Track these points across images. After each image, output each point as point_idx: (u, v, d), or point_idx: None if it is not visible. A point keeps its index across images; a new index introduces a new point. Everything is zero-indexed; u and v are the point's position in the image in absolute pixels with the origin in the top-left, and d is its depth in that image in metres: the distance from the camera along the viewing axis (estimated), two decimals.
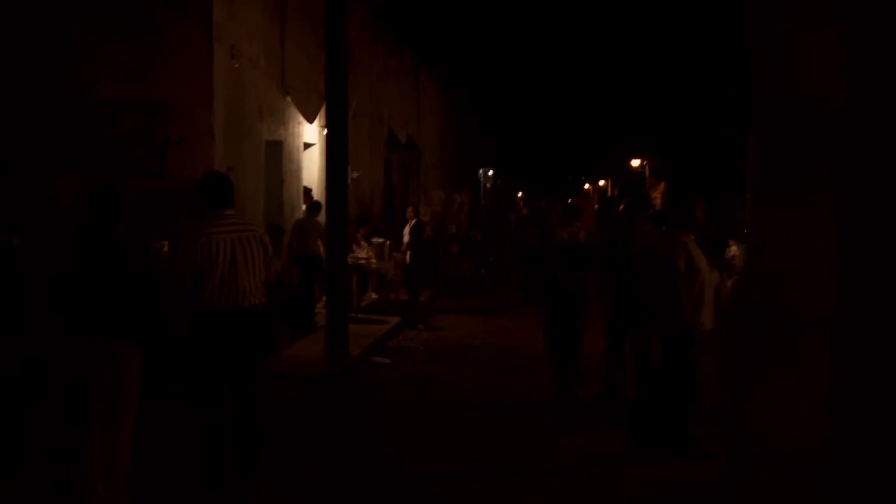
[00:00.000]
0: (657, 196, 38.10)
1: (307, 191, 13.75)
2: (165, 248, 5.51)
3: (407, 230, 15.35)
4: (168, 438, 5.77)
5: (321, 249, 11.24)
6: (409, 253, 15.13)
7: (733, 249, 9.22)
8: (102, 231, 4.62)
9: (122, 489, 4.61)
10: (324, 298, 10.98)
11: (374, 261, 14.17)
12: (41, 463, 5.11)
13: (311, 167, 14.24)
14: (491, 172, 35.05)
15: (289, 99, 12.65)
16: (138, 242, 4.83)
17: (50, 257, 4.86)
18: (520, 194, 41.84)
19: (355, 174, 15.05)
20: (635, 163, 40.34)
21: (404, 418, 7.92)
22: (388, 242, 15.15)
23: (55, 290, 4.56)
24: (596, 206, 32.91)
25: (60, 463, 4.60)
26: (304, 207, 13.09)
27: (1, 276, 5.95)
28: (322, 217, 11.67)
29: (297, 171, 13.51)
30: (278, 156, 12.52)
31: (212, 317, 5.35)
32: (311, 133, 13.90)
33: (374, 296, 14.58)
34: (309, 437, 7.18)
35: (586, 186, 56.80)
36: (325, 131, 11.32)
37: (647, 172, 39.62)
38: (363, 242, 14.13)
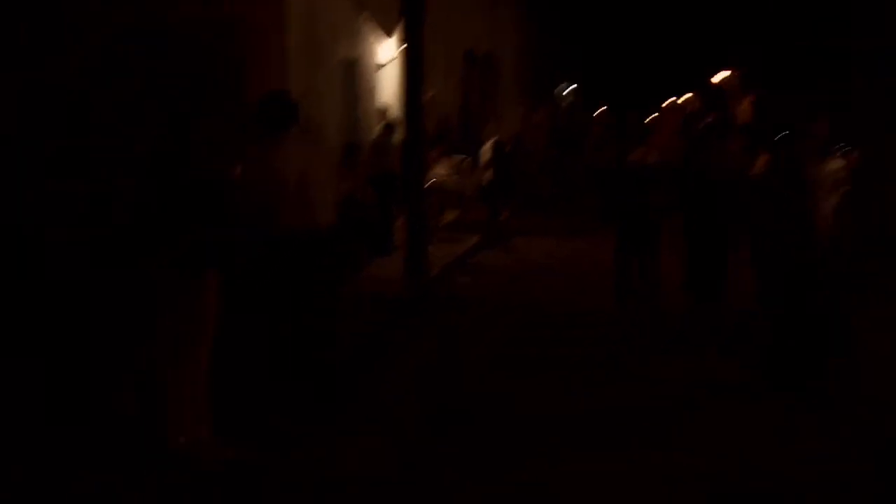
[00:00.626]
0: (746, 110, 36.79)
1: (385, 110, 13.58)
2: (238, 173, 5.45)
3: (487, 147, 15.09)
4: (244, 360, 5.78)
5: (397, 169, 11.12)
6: (488, 171, 14.89)
7: (834, 164, 8.66)
8: (180, 158, 4.56)
9: (204, 412, 4.63)
10: (401, 218, 10.91)
11: (454, 177, 13.97)
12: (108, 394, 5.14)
13: (388, 85, 14.04)
14: (572, 87, 34.26)
15: (364, 16, 12.42)
16: (216, 169, 4.77)
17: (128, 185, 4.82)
18: (603, 108, 40.91)
19: (432, 92, 14.80)
20: (721, 75, 38.97)
21: (486, 340, 7.85)
22: (467, 159, 14.93)
23: (133, 219, 4.54)
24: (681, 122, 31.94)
25: (132, 395, 4.62)
26: (379, 126, 12.95)
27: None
28: (398, 136, 11.53)
29: (372, 90, 13.36)
30: (353, 74, 12.37)
31: (286, 238, 5.29)
32: (387, 51, 13.67)
33: (453, 214, 14.45)
34: (396, 362, 7.14)
35: (672, 100, 55.20)
36: (402, 47, 11.10)
37: (735, 83, 38.22)
38: (442, 159, 13.94)
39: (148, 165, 4.74)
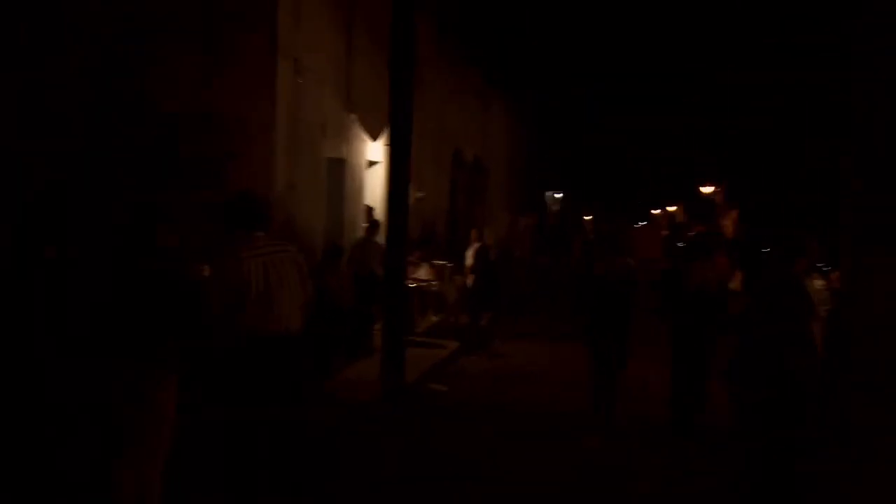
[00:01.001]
0: (728, 224, 37.21)
1: (370, 209, 13.52)
2: (207, 271, 5.27)
3: (470, 252, 15.00)
4: (199, 464, 5.50)
5: (380, 270, 10.96)
6: (471, 276, 14.77)
7: (818, 283, 8.64)
8: (142, 249, 4.37)
9: None
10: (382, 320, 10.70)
11: (434, 283, 13.86)
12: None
13: (375, 186, 14.00)
14: (558, 195, 34.56)
15: (353, 116, 12.45)
16: (182, 262, 4.58)
17: (90, 274, 4.61)
18: (587, 217, 41.31)
19: (419, 194, 14.79)
20: (707, 189, 39.48)
21: (459, 449, 7.56)
22: (450, 265, 14.82)
23: (89, 310, 4.31)
24: (664, 233, 32.23)
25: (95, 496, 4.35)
26: (364, 227, 12.86)
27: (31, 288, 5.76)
28: (382, 237, 11.41)
29: (360, 190, 13.30)
30: (340, 173, 12.32)
31: (246, 343, 5.07)
32: (376, 151, 13.68)
33: (434, 319, 14.26)
34: (359, 465, 6.87)
35: (655, 211, 55.94)
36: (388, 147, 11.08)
37: (720, 199, 38.71)
38: (424, 263, 13.83)
39: (118, 251, 4.53)
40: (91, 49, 9.17)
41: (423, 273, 13.66)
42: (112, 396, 4.25)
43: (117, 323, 4.31)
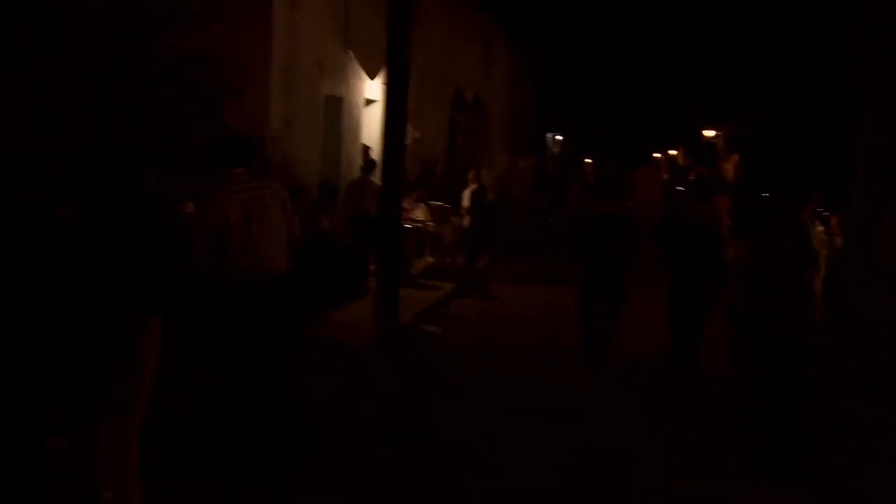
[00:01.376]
0: (729, 168, 36.99)
1: (366, 149, 13.40)
2: (191, 208, 5.20)
3: (467, 194, 14.93)
4: (187, 411, 5.47)
5: (376, 210, 10.89)
6: (467, 217, 14.73)
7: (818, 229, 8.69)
8: (127, 189, 4.28)
9: (132, 486, 4.29)
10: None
11: (430, 224, 13.80)
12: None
13: (373, 124, 13.84)
14: (559, 137, 34.30)
15: (351, 53, 12.28)
16: (166, 203, 4.50)
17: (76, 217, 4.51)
18: (588, 160, 41.03)
19: (417, 134, 14.66)
20: (709, 133, 39.18)
21: (450, 394, 7.58)
22: (447, 206, 14.74)
23: (72, 255, 4.23)
24: (666, 176, 32.02)
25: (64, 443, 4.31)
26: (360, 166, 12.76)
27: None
28: (379, 176, 11.31)
29: (357, 128, 13.18)
30: (337, 112, 12.20)
31: (229, 285, 5.02)
32: (374, 89, 13.52)
33: (430, 259, 14.24)
34: (352, 410, 6.85)
35: (656, 155, 55.57)
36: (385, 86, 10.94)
37: (721, 143, 38.45)
38: (421, 204, 13.76)
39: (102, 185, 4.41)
40: None
41: (419, 214, 13.60)
42: (92, 345, 4.17)
43: (95, 273, 4.20)
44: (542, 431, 6.59)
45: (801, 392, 6.02)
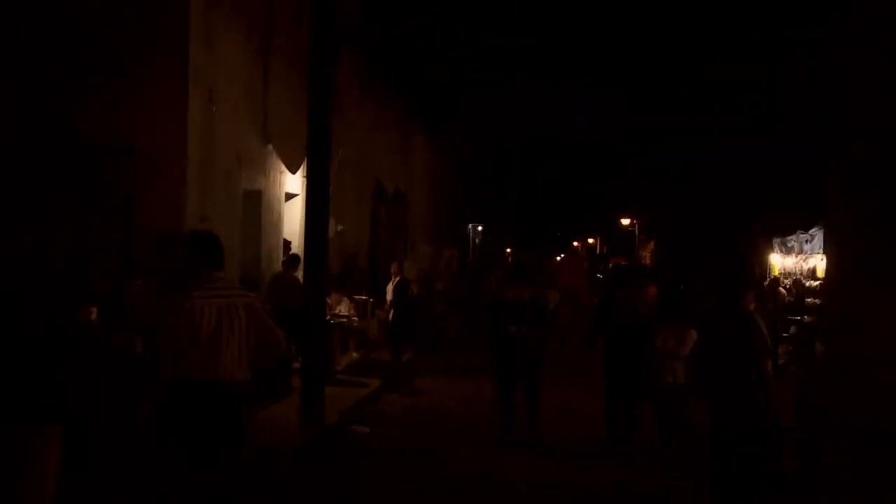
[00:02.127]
0: (646, 255, 37.69)
1: (287, 243, 13.11)
2: (93, 315, 4.84)
3: (390, 287, 14.68)
4: None
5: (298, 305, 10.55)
6: (392, 311, 14.44)
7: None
8: (20, 297, 3.95)
9: None
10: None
11: (355, 319, 13.49)
12: None
13: (294, 218, 13.59)
14: (480, 228, 34.55)
15: (270, 146, 12.07)
16: (60, 309, 4.16)
17: None
18: (508, 250, 41.40)
19: (339, 227, 14.45)
20: (625, 221, 39.96)
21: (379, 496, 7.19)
22: (370, 300, 14.46)
23: None
24: (585, 265, 32.42)
25: None
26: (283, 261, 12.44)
27: None
28: (301, 272, 11.01)
29: (278, 223, 12.89)
30: (257, 206, 11.91)
31: (187, 390, 4.68)
32: (295, 183, 13.31)
33: (355, 355, 13.88)
34: None
35: (575, 244, 56.47)
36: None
37: (637, 231, 39.22)
38: (345, 299, 13.46)
39: None
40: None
41: (343, 308, 13.29)
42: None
43: None
44: None
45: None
